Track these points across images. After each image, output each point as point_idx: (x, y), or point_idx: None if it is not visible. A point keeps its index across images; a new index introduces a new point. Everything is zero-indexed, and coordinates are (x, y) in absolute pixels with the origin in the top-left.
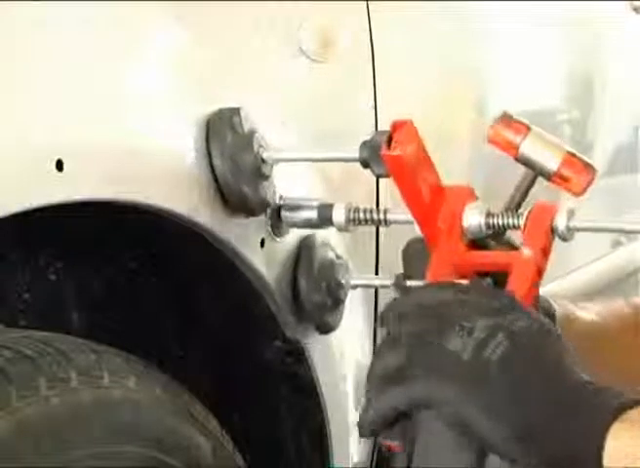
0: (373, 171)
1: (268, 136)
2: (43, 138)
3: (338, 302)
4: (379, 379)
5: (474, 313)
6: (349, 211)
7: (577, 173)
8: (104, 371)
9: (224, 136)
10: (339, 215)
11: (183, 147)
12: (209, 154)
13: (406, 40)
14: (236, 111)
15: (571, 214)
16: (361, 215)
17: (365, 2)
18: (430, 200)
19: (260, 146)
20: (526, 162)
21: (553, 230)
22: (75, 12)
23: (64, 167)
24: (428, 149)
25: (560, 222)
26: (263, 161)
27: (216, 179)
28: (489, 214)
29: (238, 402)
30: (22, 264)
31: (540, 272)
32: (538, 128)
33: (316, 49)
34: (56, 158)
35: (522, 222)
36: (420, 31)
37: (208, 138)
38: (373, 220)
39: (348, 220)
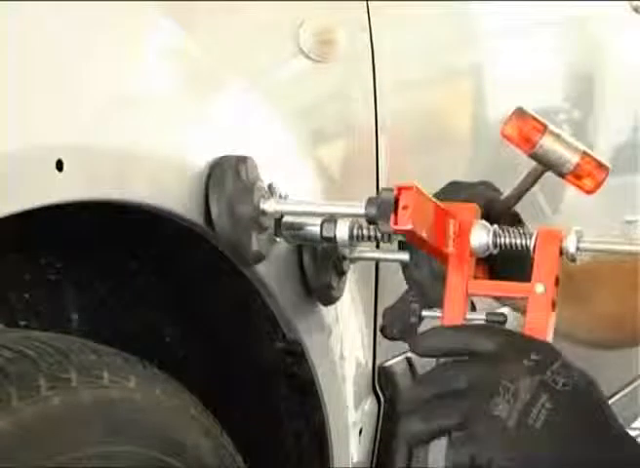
0: (379, 229)
1: (268, 137)
2: (43, 138)
3: (341, 275)
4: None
5: (516, 372)
6: (353, 228)
7: (591, 172)
8: (104, 371)
9: (225, 184)
10: (342, 232)
11: (184, 150)
12: (206, 197)
13: (406, 39)
14: (243, 160)
15: (580, 235)
16: (364, 232)
17: (365, 2)
18: (439, 226)
19: (262, 197)
20: (540, 158)
21: (562, 252)
22: (76, 11)
23: (64, 167)
24: (429, 148)
25: (570, 245)
26: (264, 213)
27: (211, 223)
28: (496, 234)
29: (238, 402)
30: (22, 264)
31: (554, 304)
32: (552, 125)
33: (316, 49)
34: (56, 158)
35: (531, 243)
36: (420, 30)
37: (208, 185)
38: (377, 237)
39: (352, 237)
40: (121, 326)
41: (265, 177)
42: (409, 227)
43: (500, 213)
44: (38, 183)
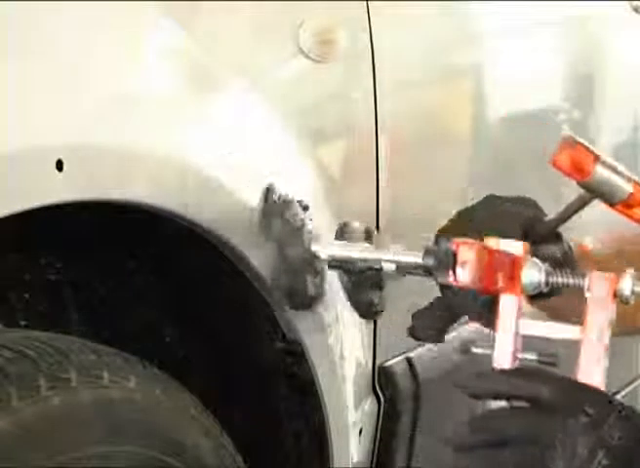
0: (436, 280)
1: (267, 137)
2: (43, 139)
3: (381, 290)
4: None
5: (573, 425)
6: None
7: None
8: (104, 371)
9: (273, 231)
10: (389, 265)
11: (183, 150)
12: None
13: (406, 39)
14: (288, 205)
15: (635, 277)
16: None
17: (365, 2)
18: (491, 270)
19: (312, 239)
20: (591, 187)
21: (616, 295)
22: (76, 11)
23: (64, 167)
24: (429, 148)
25: (625, 287)
26: (316, 256)
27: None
28: (548, 273)
29: (238, 402)
30: (22, 264)
31: (606, 349)
32: (603, 153)
33: (316, 49)
34: (55, 158)
35: (584, 284)
36: (420, 30)
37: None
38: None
39: (399, 268)
40: (121, 326)
41: (265, 178)
42: (467, 282)
43: (541, 235)
44: (38, 183)
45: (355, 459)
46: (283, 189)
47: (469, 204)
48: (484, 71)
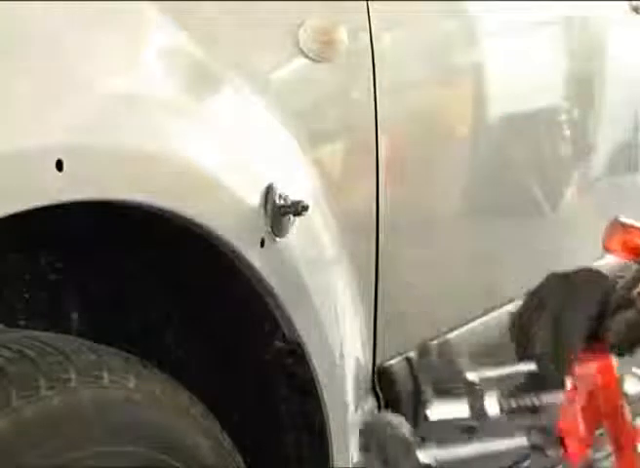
0: (545, 454)
1: (267, 137)
2: (43, 138)
3: None
4: None
5: None
6: (502, 401)
7: None
8: (104, 371)
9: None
10: (493, 408)
11: (184, 150)
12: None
13: (406, 39)
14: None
15: None
16: (513, 404)
17: (365, 2)
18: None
19: (419, 449)
20: None
21: None
22: (76, 11)
23: (64, 167)
24: (429, 148)
25: None
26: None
27: None
28: None
29: (238, 402)
30: (22, 264)
31: None
32: None
33: (316, 49)
34: (56, 158)
35: None
36: (420, 30)
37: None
38: (527, 408)
39: (502, 410)
40: (121, 326)
41: (266, 178)
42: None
43: (618, 304)
44: (38, 183)
45: (355, 459)
46: (283, 189)
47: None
48: (484, 71)
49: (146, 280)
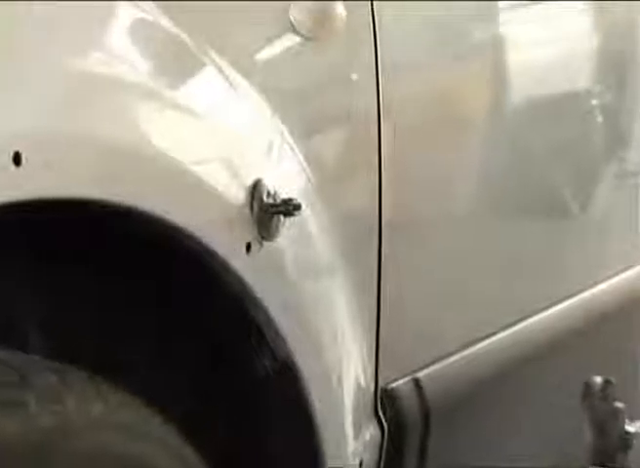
0: None
1: (254, 126)
2: None
3: None
4: None
5: None
6: None
7: None
8: (68, 395)
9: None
10: None
11: (158, 140)
12: None
13: (412, 13)
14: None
15: None
16: None
17: None
18: None
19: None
20: None
21: None
22: None
23: (23, 160)
24: (440, 138)
25: None
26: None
27: None
28: None
29: (220, 430)
30: None
31: None
32: None
33: (309, 24)
34: (12, 150)
35: None
36: (428, 2)
37: None
38: None
39: None
40: (87, 343)
41: (253, 173)
42: None
43: None
44: None
45: None
46: (272, 186)
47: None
48: (504, 49)
49: (118, 290)
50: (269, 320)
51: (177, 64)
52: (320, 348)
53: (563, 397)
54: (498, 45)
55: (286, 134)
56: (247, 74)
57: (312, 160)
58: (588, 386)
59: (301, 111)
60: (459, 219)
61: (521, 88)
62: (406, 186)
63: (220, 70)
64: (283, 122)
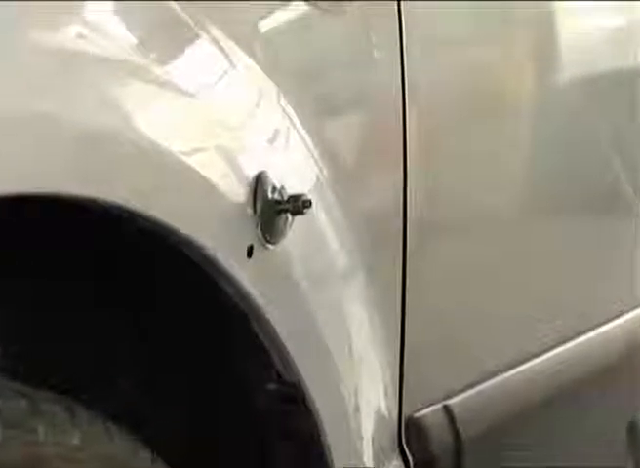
0: None
1: (257, 109)
2: None
3: None
4: None
5: None
6: None
7: None
8: (39, 424)
9: None
10: None
11: (140, 125)
12: None
13: None
14: None
15: None
16: None
17: None
18: None
19: None
20: None
21: None
22: None
23: None
24: (474, 124)
25: None
26: None
27: None
28: None
29: (219, 461)
30: None
31: None
32: None
33: None
34: None
35: None
36: None
37: None
38: None
39: None
40: (62, 363)
41: (255, 164)
42: None
43: None
44: None
45: None
46: (278, 180)
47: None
48: (549, 21)
49: (96, 301)
50: (274, 337)
51: (165, 37)
52: (334, 370)
53: (604, 428)
54: (544, 15)
55: (295, 118)
56: (249, 49)
57: (325, 149)
58: (634, 427)
59: (313, 92)
60: (498, 221)
61: (569, 65)
62: (436, 181)
63: (217, 44)
64: (291, 105)
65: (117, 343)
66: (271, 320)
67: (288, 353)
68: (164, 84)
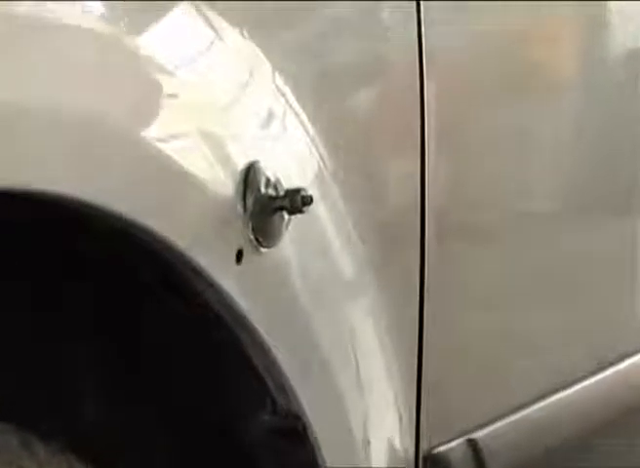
0: None
1: (245, 82)
2: None
3: None
4: None
5: None
6: None
7: None
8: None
9: None
10: None
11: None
12: None
13: None
14: None
15: None
16: None
17: None
18: None
19: None
20: None
21: None
22: None
23: None
24: (507, 98)
25: None
26: None
27: None
28: None
29: None
30: None
31: None
32: None
33: None
34: None
35: None
36: None
37: None
38: None
39: None
40: (20, 388)
41: (245, 153)
42: None
43: None
44: None
45: None
46: (272, 171)
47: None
48: None
49: (61, 316)
50: (269, 360)
51: (137, 2)
52: (339, 399)
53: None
54: None
55: (291, 98)
56: (236, 19)
57: (328, 135)
58: None
59: (313, 67)
60: (539, 221)
61: (623, 37)
62: (460, 171)
63: (200, 11)
64: (287, 82)
65: (81, 367)
66: (265, 340)
67: (286, 379)
68: (136, 57)
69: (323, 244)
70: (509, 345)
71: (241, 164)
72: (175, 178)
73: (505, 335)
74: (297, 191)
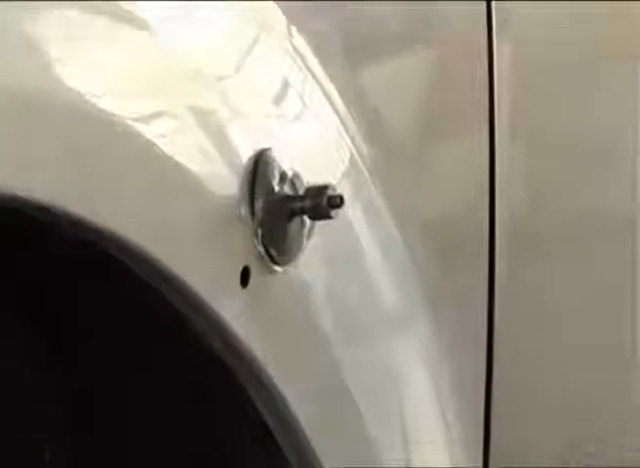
0: None
1: (257, 56)
2: None
3: None
4: None
5: None
6: None
7: None
8: None
9: None
10: None
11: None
12: None
13: None
14: None
15: None
16: None
17: None
18: None
19: None
20: None
21: None
22: None
23: None
24: (585, 87)
25: None
26: None
27: None
28: None
29: None
30: None
31: None
32: None
33: None
34: None
35: None
36: None
37: None
38: None
39: None
40: None
41: (253, 139)
42: None
43: None
44: None
45: None
46: (289, 163)
47: None
48: None
49: (20, 338)
50: (282, 413)
51: None
52: (373, 453)
53: None
54: None
55: (314, 64)
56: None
57: (364, 113)
58: None
59: (345, 23)
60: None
61: None
62: (536, 167)
63: None
64: (309, 43)
65: (41, 404)
66: (277, 386)
67: (301, 436)
68: (115, 16)
69: (357, 260)
70: (597, 375)
71: (247, 153)
72: (158, 172)
73: (592, 364)
74: (321, 189)
